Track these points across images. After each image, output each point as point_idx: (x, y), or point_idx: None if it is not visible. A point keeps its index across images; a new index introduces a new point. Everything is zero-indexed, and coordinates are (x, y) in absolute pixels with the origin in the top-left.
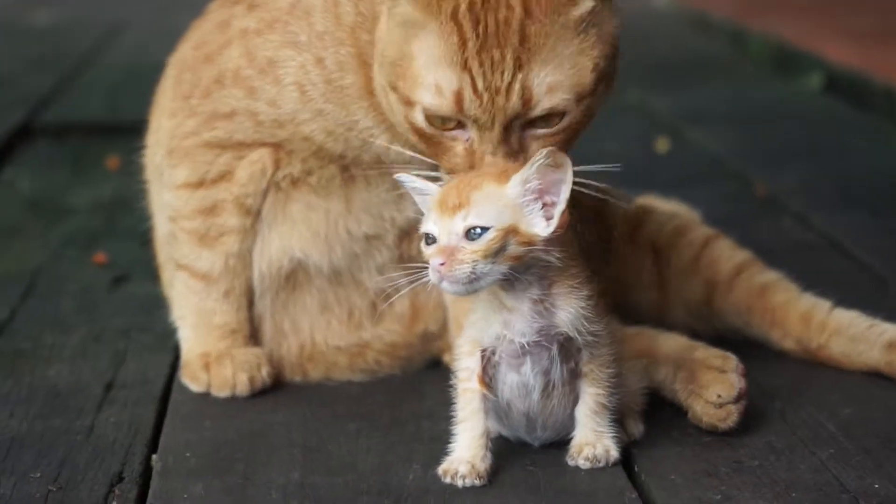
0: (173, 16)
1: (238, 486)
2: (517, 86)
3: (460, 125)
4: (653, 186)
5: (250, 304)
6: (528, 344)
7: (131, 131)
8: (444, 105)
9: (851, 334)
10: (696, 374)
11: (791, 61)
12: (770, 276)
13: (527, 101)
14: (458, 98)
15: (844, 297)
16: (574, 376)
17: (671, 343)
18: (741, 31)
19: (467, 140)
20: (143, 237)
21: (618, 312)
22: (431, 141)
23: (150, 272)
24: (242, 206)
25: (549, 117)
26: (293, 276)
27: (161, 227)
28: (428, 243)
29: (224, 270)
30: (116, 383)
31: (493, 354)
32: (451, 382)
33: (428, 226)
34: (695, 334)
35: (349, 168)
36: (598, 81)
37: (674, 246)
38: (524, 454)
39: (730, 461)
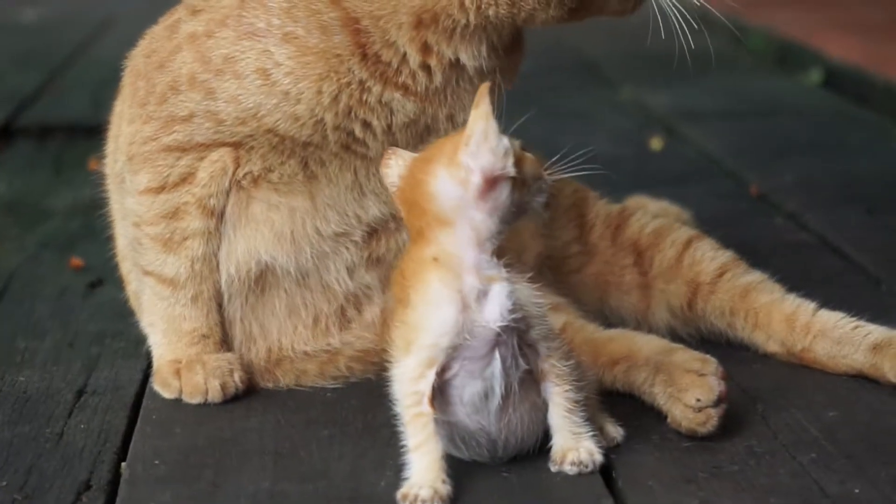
0: (164, 12)
1: (206, 494)
2: None
3: None
4: (645, 185)
5: (221, 307)
6: (502, 331)
7: None
8: None
9: (836, 336)
10: (675, 377)
11: (791, 57)
12: (754, 276)
13: None
14: None
15: (835, 297)
16: (529, 382)
17: (650, 345)
18: (740, 25)
19: None
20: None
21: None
22: None
23: None
24: (205, 207)
25: None
26: (262, 279)
27: (124, 234)
28: None
29: (190, 275)
30: (88, 389)
31: (448, 370)
32: (394, 411)
33: None
34: (678, 337)
35: (309, 165)
36: None
37: (656, 247)
38: None
39: (709, 466)
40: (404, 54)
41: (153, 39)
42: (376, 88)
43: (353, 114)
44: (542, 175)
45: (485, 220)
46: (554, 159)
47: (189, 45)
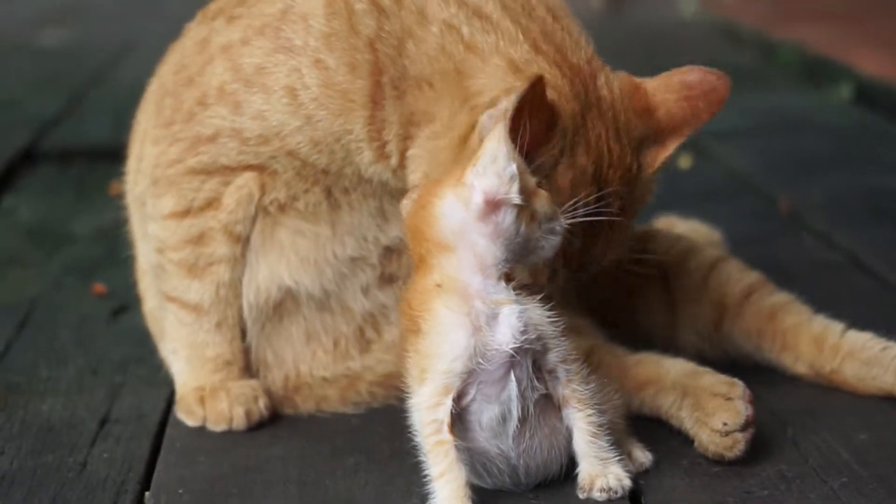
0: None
1: None
2: None
3: None
4: (673, 204)
5: (244, 334)
6: (515, 352)
7: None
8: None
9: (865, 357)
10: (702, 401)
11: (821, 71)
12: (781, 298)
13: None
14: None
15: (865, 317)
16: (546, 406)
17: (677, 369)
18: (770, 40)
19: None
20: None
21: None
22: None
23: None
24: (231, 233)
25: None
26: (280, 306)
27: (145, 256)
28: None
29: (215, 301)
30: (111, 418)
31: (465, 396)
32: (415, 442)
33: None
34: (706, 359)
35: (333, 193)
36: None
37: (681, 268)
38: None
39: (739, 491)
40: (391, 151)
41: (184, 55)
42: (368, 155)
43: (349, 160)
44: (557, 216)
45: (488, 246)
46: (570, 203)
47: (222, 55)
